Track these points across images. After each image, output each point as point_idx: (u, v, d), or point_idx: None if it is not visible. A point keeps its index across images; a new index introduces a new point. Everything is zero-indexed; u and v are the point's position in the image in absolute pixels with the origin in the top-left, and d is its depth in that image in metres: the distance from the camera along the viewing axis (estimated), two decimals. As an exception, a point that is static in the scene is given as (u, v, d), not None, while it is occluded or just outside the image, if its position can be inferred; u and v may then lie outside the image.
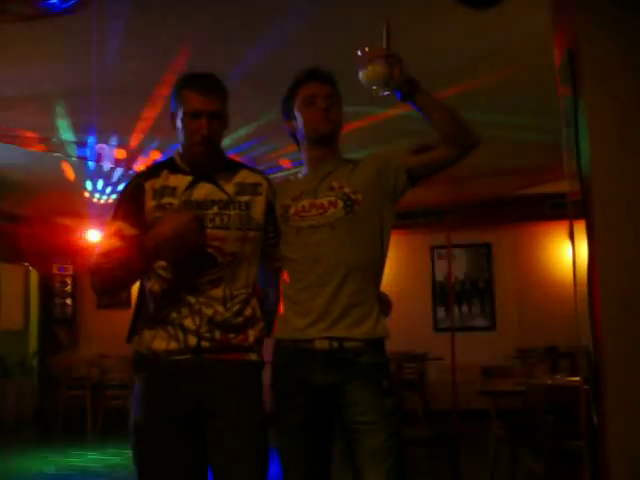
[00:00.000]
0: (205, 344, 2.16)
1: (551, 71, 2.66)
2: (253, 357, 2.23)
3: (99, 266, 2.19)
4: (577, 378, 4.00)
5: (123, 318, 9.31)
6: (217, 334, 2.17)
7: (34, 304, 10.50)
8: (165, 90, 4.41)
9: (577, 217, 2.45)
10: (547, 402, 4.21)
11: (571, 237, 2.54)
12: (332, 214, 2.25)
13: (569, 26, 2.38)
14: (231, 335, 2.19)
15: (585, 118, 2.32)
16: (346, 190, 2.27)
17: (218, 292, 2.19)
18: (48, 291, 10.42)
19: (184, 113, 2.19)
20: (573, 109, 2.35)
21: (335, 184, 2.29)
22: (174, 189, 2.22)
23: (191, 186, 2.23)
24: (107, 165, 6.74)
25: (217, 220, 2.20)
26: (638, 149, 2.28)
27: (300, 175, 2.42)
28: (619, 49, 2.32)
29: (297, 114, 2.35)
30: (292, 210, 2.30)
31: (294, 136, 2.42)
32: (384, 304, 2.33)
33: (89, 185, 7.51)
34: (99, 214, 8.29)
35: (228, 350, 2.19)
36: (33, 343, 10.43)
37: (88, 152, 6.24)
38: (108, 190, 7.64)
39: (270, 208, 2.31)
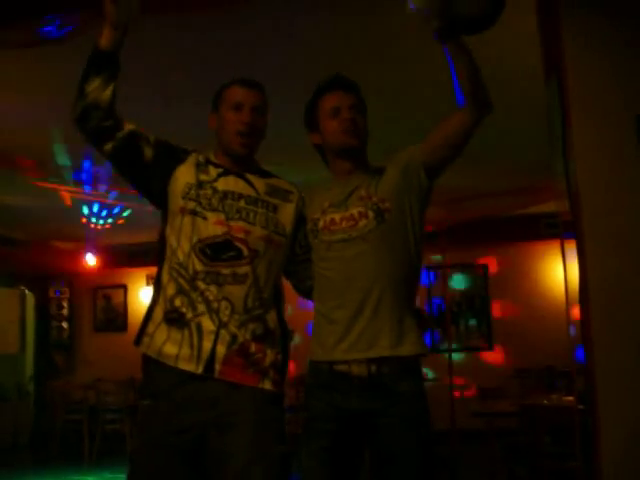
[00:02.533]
0: (220, 350, 2.05)
1: (543, 92, 2.69)
2: (267, 385, 2.11)
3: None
4: (572, 398, 4.00)
5: (120, 342, 9.26)
6: (234, 337, 2.07)
7: (30, 328, 10.47)
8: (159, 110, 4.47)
9: (568, 237, 2.46)
10: (544, 422, 4.20)
11: (562, 257, 2.55)
12: (364, 226, 2.14)
13: (556, 50, 2.41)
14: (248, 344, 2.09)
15: (573, 139, 2.34)
16: (374, 199, 2.17)
17: (240, 291, 2.10)
18: (44, 315, 10.39)
19: (227, 107, 2.21)
20: (561, 130, 2.38)
21: (364, 194, 2.19)
22: (208, 173, 2.21)
23: (221, 175, 2.21)
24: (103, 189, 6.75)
25: (243, 213, 2.16)
26: (626, 169, 2.31)
27: (329, 184, 2.32)
28: (606, 71, 2.35)
29: (321, 126, 2.26)
30: (321, 224, 2.21)
31: (319, 148, 2.33)
32: (423, 319, 2.24)
33: (85, 210, 7.53)
34: (95, 238, 8.30)
35: (244, 367, 2.08)
36: (29, 367, 10.39)
37: (85, 176, 6.26)
38: (104, 214, 7.67)
39: (300, 219, 2.26)
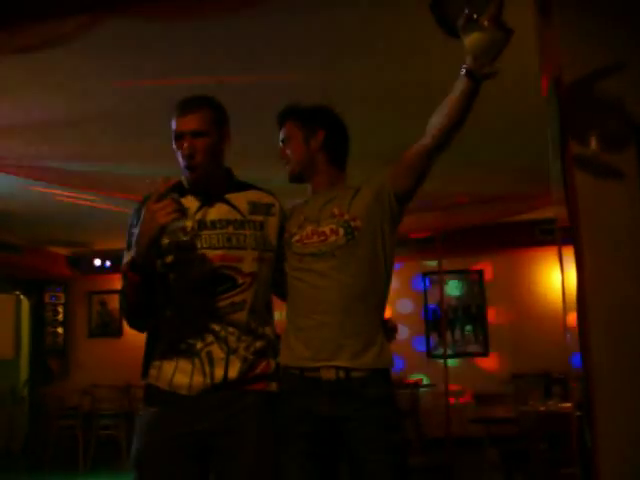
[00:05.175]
0: (232, 375, 2.12)
1: (540, 99, 2.69)
2: (273, 387, 2.21)
3: (121, 292, 2.19)
4: (569, 404, 4.01)
5: (114, 348, 9.26)
6: (244, 362, 2.14)
7: (25, 333, 10.43)
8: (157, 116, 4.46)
9: (566, 243, 2.47)
10: (540, 429, 4.21)
11: (560, 263, 2.56)
12: (334, 242, 2.23)
13: (555, 56, 2.42)
14: (255, 361, 2.17)
15: (571, 146, 2.35)
16: (346, 217, 2.25)
17: (242, 316, 2.16)
18: (40, 320, 10.36)
19: (173, 136, 2.20)
20: (560, 137, 2.38)
21: (336, 211, 2.28)
22: (186, 211, 2.17)
23: (204, 206, 2.22)
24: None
25: (234, 240, 2.18)
26: (624, 175, 2.31)
27: (306, 200, 2.41)
28: (604, 79, 2.36)
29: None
30: (296, 237, 2.29)
31: None
32: (388, 330, 2.32)
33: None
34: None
35: (252, 381, 2.16)
36: (24, 372, 10.35)
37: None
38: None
39: (281, 231, 2.31)
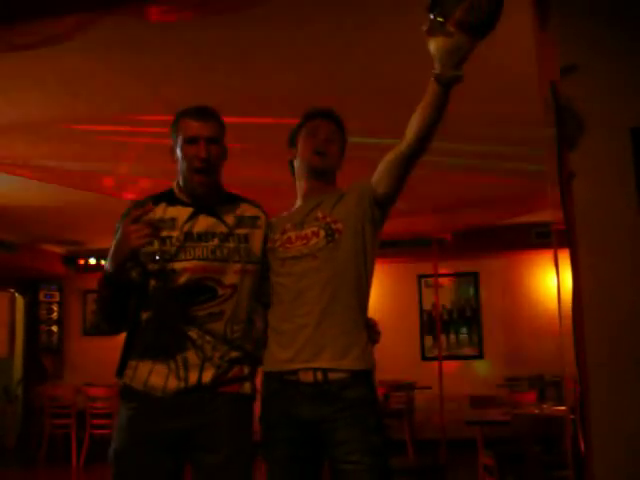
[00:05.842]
0: (206, 380, 2.15)
1: (537, 102, 2.70)
2: (247, 388, 2.25)
3: (96, 299, 2.24)
4: (563, 408, 4.02)
5: (109, 347, 9.25)
6: (218, 368, 2.18)
7: (19, 331, 10.42)
8: (152, 117, 4.46)
9: (561, 246, 2.47)
10: (534, 432, 4.21)
11: (556, 266, 2.56)
12: (314, 244, 2.26)
13: (552, 59, 2.42)
14: (229, 368, 2.20)
15: (567, 150, 2.35)
16: (328, 220, 2.29)
17: (219, 326, 2.19)
18: (34, 318, 10.35)
19: (182, 140, 2.22)
20: (556, 140, 2.39)
21: (320, 215, 2.31)
22: (173, 220, 2.23)
23: (192, 218, 2.24)
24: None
25: (217, 252, 2.21)
26: (620, 178, 2.32)
27: (292, 208, 2.45)
28: (600, 83, 2.37)
29: (299, 143, 2.41)
30: (279, 242, 2.32)
31: (292, 165, 2.47)
32: (372, 331, 2.33)
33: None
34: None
35: (226, 383, 2.20)
36: (18, 370, 10.34)
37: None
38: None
39: (266, 241, 2.34)
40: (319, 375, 2.17)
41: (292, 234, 2.31)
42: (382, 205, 2.31)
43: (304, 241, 2.28)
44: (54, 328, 10.44)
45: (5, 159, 5.54)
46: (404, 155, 2.19)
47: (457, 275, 9.39)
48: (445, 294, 9.23)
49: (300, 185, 2.44)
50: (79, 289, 10.38)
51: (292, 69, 4.02)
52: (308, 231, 2.29)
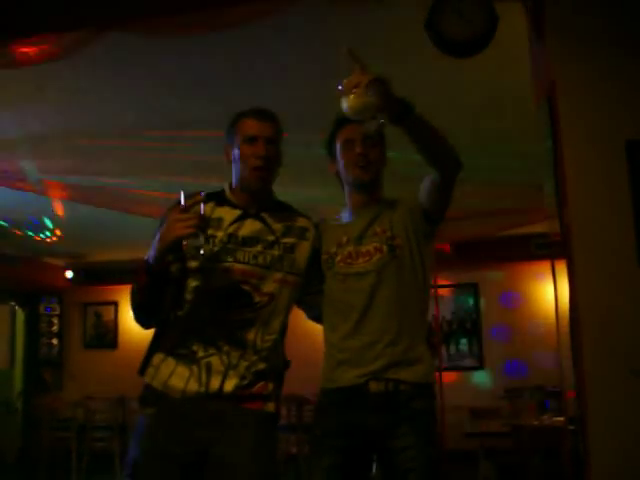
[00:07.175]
0: (228, 388, 2.09)
1: (535, 114, 2.73)
2: (271, 407, 2.18)
3: (132, 288, 2.15)
4: (562, 419, 4.01)
5: (109, 359, 9.19)
6: (242, 379, 2.11)
7: (20, 344, 10.41)
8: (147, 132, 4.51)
9: (559, 257, 2.49)
10: (534, 443, 4.21)
11: (553, 277, 2.58)
12: (378, 260, 2.22)
13: (546, 74, 2.45)
14: (254, 381, 2.14)
15: (563, 162, 2.38)
16: (389, 234, 2.25)
17: (250, 335, 2.14)
18: (34, 331, 10.34)
19: (241, 140, 2.20)
20: (552, 153, 2.41)
21: (379, 230, 2.27)
22: (220, 221, 2.19)
23: (238, 220, 2.21)
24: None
25: (260, 258, 2.17)
26: (615, 190, 2.34)
27: (344, 219, 2.39)
28: (596, 96, 2.39)
29: (338, 157, 2.33)
30: (338, 257, 2.27)
31: (339, 177, 2.38)
32: (432, 345, 2.34)
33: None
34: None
35: (248, 399, 2.13)
36: (18, 383, 10.32)
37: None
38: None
39: (315, 255, 2.29)
40: (390, 385, 2.16)
41: (351, 249, 2.27)
42: (431, 221, 2.28)
43: (367, 257, 2.24)
44: (54, 341, 10.43)
45: (5, 173, 5.57)
46: (436, 181, 2.16)
47: (457, 286, 9.38)
48: (445, 305, 9.22)
49: (349, 197, 2.37)
50: (79, 302, 10.38)
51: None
52: (370, 247, 2.25)
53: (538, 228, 7.40)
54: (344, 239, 2.29)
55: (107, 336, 10.21)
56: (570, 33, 2.42)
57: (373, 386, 2.16)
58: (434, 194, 2.19)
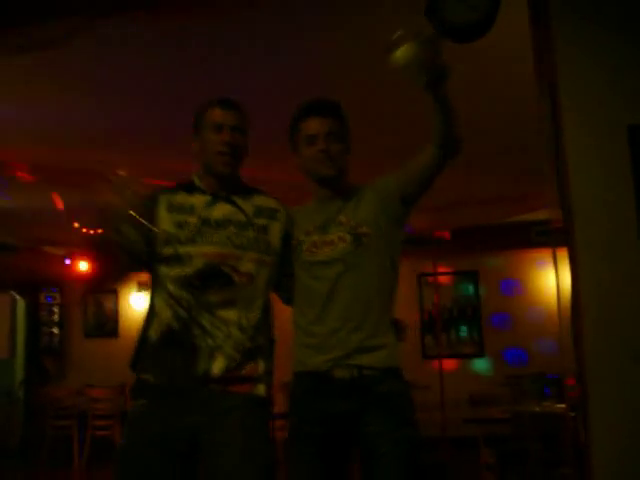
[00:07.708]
0: (215, 372, 2.13)
1: (536, 101, 2.71)
2: (261, 390, 2.21)
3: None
4: (563, 405, 4.03)
5: (110, 348, 9.20)
6: (230, 360, 2.15)
7: (21, 333, 10.42)
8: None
9: (560, 245, 2.48)
10: (535, 429, 4.22)
11: (555, 265, 2.57)
12: (342, 249, 2.26)
13: (548, 60, 2.44)
14: (242, 361, 2.17)
15: (565, 147, 2.37)
16: (352, 224, 2.28)
17: (232, 314, 2.18)
18: (35, 320, 10.35)
19: (207, 128, 2.28)
20: (554, 140, 2.40)
21: (343, 219, 2.30)
22: (192, 207, 2.26)
23: (210, 205, 2.27)
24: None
25: (235, 239, 2.23)
26: (617, 176, 2.33)
27: (312, 207, 2.41)
28: (597, 82, 2.38)
29: (300, 151, 2.35)
30: (305, 245, 2.31)
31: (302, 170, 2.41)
32: (399, 329, 2.35)
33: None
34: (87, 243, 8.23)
35: (237, 381, 2.16)
36: (19, 372, 10.34)
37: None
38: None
39: (287, 236, 2.34)
40: (355, 371, 2.19)
41: (316, 238, 2.30)
42: (408, 204, 2.31)
43: (331, 246, 2.27)
44: (55, 330, 10.44)
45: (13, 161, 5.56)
46: (435, 161, 2.19)
47: (457, 274, 9.39)
48: (445, 293, 9.22)
49: (314, 188, 2.39)
50: (80, 291, 10.39)
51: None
52: (334, 236, 2.28)
53: (538, 215, 7.40)
54: (310, 227, 2.33)
55: (108, 325, 10.22)
56: (573, 17, 2.40)
57: (338, 372, 2.19)
58: (426, 171, 2.22)
